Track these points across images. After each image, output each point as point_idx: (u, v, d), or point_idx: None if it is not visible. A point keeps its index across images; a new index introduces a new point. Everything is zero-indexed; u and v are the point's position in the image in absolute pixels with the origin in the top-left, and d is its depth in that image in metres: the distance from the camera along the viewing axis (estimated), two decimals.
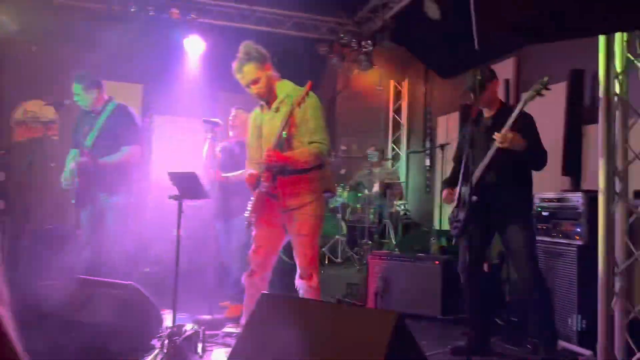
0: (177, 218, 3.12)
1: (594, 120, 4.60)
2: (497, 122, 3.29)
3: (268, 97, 3.21)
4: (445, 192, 3.64)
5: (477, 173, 3.39)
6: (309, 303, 2.58)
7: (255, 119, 3.33)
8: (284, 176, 3.05)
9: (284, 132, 3.00)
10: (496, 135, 3.18)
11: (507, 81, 5.74)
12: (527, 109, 3.26)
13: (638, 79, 2.60)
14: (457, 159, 3.72)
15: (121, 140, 4.01)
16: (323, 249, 6.03)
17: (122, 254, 3.93)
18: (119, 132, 4.02)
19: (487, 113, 3.51)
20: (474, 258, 3.50)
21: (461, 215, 3.45)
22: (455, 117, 6.82)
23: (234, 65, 3.13)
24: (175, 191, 3.21)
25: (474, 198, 3.38)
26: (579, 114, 4.69)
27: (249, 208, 3.11)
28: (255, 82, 3.13)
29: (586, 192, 3.83)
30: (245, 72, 3.11)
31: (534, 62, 4.85)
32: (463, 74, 6.74)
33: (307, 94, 3.00)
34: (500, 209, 3.36)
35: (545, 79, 3.03)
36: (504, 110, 3.40)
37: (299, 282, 3.21)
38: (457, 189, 3.54)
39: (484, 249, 3.63)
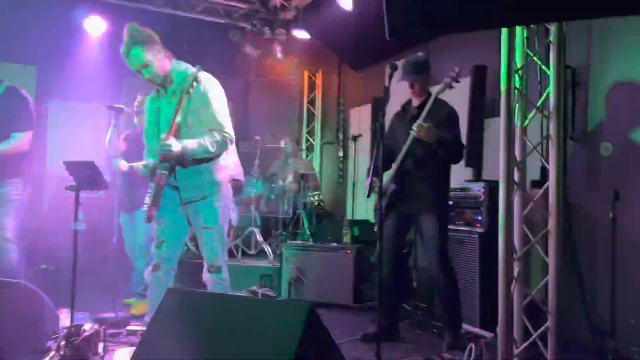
0: (74, 210, 2.89)
1: (495, 114, 4.92)
2: (423, 111, 3.37)
3: (163, 82, 3.07)
4: (368, 180, 3.69)
5: (397, 161, 3.45)
6: (218, 298, 2.50)
7: (152, 105, 3.17)
8: (183, 167, 2.93)
9: (179, 118, 2.89)
10: (414, 126, 3.27)
11: None
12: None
13: (536, 74, 2.77)
14: (386, 147, 3.79)
15: (12, 126, 3.67)
16: (236, 241, 5.91)
17: (13, 249, 3.60)
18: (9, 117, 3.66)
19: (415, 102, 3.58)
20: (390, 245, 3.58)
21: (382, 204, 3.52)
22: (367, 109, 6.89)
23: (121, 49, 2.93)
24: (72, 181, 2.98)
25: (392, 186, 3.47)
26: (481, 108, 4.92)
27: (147, 202, 2.97)
28: (145, 66, 2.96)
29: (487, 182, 4.07)
30: (132, 57, 2.93)
31: (440, 59, 5.02)
32: (375, 66, 7.00)
33: (196, 78, 2.92)
34: (415, 197, 3.43)
35: (457, 69, 3.14)
36: (428, 100, 3.48)
37: (206, 277, 3.12)
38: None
39: (402, 237, 3.71)
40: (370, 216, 6.82)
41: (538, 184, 3.13)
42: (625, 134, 3.66)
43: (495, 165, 4.68)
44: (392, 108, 3.93)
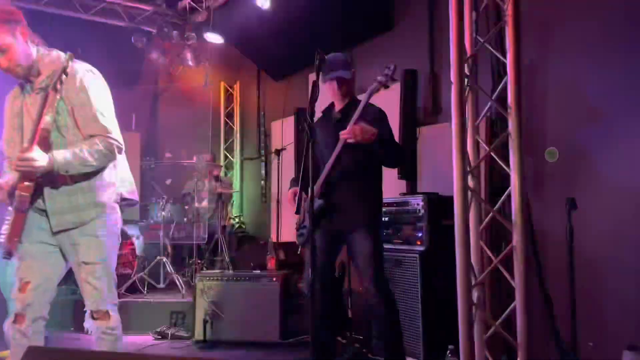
0: None
1: (429, 122, 4.65)
2: (347, 116, 2.91)
3: (26, 73, 2.41)
4: (291, 192, 3.15)
5: (323, 173, 2.96)
6: (95, 357, 1.84)
7: (14, 104, 2.49)
8: (54, 185, 2.32)
9: (46, 121, 2.24)
10: (342, 134, 2.78)
11: None
12: None
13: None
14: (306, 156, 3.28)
15: None
16: (142, 273, 5.15)
17: None
18: None
19: (337, 106, 3.11)
20: (320, 270, 3.06)
21: (307, 221, 2.99)
22: (290, 121, 6.47)
23: None
24: None
25: (318, 202, 2.96)
26: (413, 114, 4.59)
27: (4, 231, 2.28)
28: (1, 51, 2.31)
29: (426, 194, 3.68)
30: None
31: (365, 64, 4.66)
32: (297, 75, 6.63)
33: (65, 69, 2.31)
34: (345, 212, 2.97)
35: (392, 66, 2.70)
36: (354, 103, 3.04)
37: (90, 325, 2.44)
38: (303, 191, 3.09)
39: (332, 260, 3.21)
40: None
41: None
42: (569, 138, 3.41)
43: (431, 177, 4.51)
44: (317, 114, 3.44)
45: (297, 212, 2.92)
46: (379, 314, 3.03)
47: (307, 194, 3.00)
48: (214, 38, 6.22)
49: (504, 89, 2.22)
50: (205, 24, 6.09)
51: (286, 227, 6.14)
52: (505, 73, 2.18)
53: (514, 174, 2.12)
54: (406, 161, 3.22)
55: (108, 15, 6.34)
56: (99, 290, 2.46)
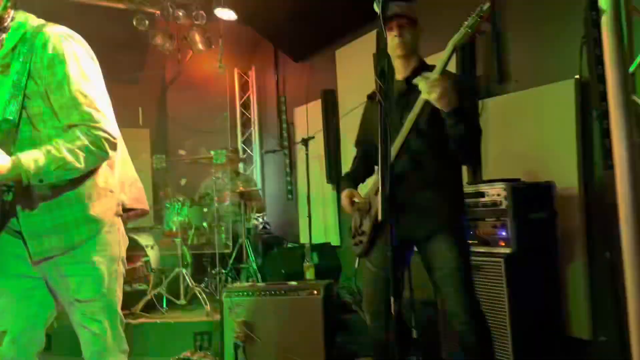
0: None
1: (493, 92, 3.79)
2: (414, 86, 2.17)
3: None
4: (345, 193, 2.45)
5: (388, 160, 2.24)
6: None
7: None
8: (28, 197, 1.71)
9: (12, 109, 1.61)
10: (421, 85, 2.05)
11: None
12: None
13: None
14: (361, 144, 2.57)
15: None
16: (160, 289, 4.51)
17: None
18: None
19: (400, 73, 2.39)
20: (386, 287, 2.35)
21: (366, 225, 2.29)
22: (316, 106, 5.86)
23: None
24: None
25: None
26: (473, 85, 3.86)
27: None
28: None
29: (508, 181, 2.99)
30: None
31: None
32: (320, 54, 6.00)
33: (37, 35, 1.68)
34: (419, 212, 2.28)
35: (487, 6, 1.96)
36: (424, 68, 2.32)
37: None
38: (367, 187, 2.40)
39: (400, 273, 2.52)
40: (331, 238, 5.68)
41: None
42: None
43: (502, 160, 3.78)
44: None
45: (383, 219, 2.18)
46: (469, 345, 2.34)
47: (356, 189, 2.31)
48: (225, 14, 5.59)
49: None
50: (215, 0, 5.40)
51: (317, 226, 5.68)
52: None
53: None
54: (475, 157, 2.48)
55: None
56: (99, 336, 1.82)
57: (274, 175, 7.25)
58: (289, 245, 6.09)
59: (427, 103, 2.11)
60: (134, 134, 6.39)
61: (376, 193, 2.32)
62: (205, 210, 4.99)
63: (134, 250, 4.66)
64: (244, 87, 7.59)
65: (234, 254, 5.05)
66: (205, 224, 4.93)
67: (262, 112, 7.47)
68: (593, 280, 3.09)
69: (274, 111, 7.04)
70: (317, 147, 5.56)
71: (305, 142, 5.22)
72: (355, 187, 2.46)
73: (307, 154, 5.16)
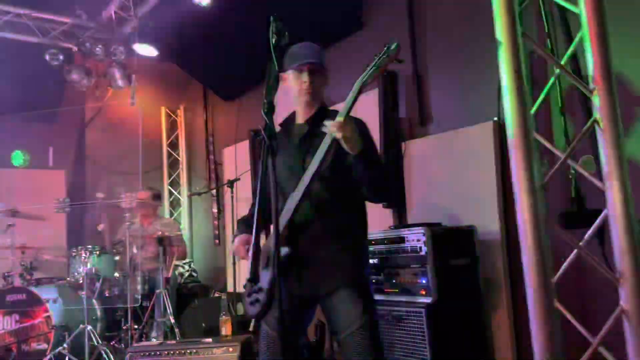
0: None
1: (415, 134, 3.90)
2: (317, 129, 2.10)
3: None
4: (238, 239, 2.26)
5: (290, 206, 2.09)
6: None
7: None
8: None
9: None
10: (327, 126, 1.95)
11: None
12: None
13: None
14: (259, 191, 2.39)
15: None
16: (61, 348, 4.10)
17: None
18: None
19: (302, 116, 2.29)
20: (285, 350, 2.13)
21: (264, 282, 2.09)
22: (244, 146, 5.73)
23: None
24: None
25: (285, 250, 2.08)
26: (395, 127, 3.82)
27: None
28: None
29: (428, 226, 2.92)
30: None
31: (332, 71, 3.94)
32: (249, 93, 5.92)
33: None
34: (321, 266, 2.12)
35: (395, 42, 1.87)
36: (325, 112, 2.24)
37: None
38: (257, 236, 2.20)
39: (302, 334, 2.32)
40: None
41: None
42: None
43: (426, 203, 3.72)
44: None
45: (252, 269, 2.01)
46: None
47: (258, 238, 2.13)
48: (144, 50, 5.40)
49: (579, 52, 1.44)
50: (135, 35, 5.22)
51: (245, 274, 5.30)
52: (577, 28, 1.40)
53: (615, 186, 1.32)
54: (393, 193, 2.39)
55: (16, 30, 5.43)
56: None
57: (202, 218, 7.00)
58: (216, 294, 5.76)
59: (332, 146, 1.99)
60: (44, 175, 6.01)
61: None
62: (117, 258, 4.64)
63: (34, 304, 4.28)
64: (172, 126, 7.36)
65: (149, 307, 4.68)
66: (117, 274, 4.57)
67: (191, 152, 7.28)
68: (518, 326, 3.00)
69: (202, 151, 6.87)
70: (246, 188, 5.32)
71: (231, 183, 5.03)
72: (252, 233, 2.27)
73: (232, 196, 4.97)
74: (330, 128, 1.96)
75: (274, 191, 1.70)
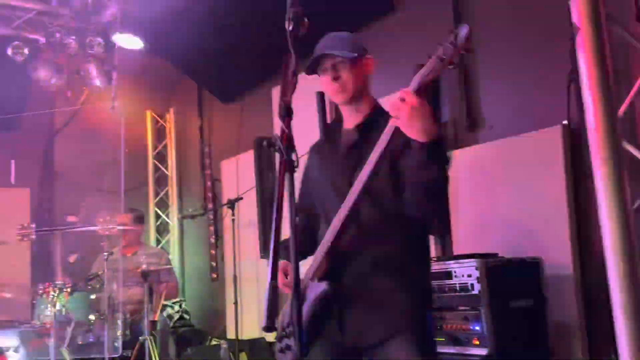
0: None
1: (462, 142, 3.82)
2: (369, 135, 2.11)
3: None
4: (283, 269, 2.26)
5: (329, 234, 2.11)
6: None
7: None
8: None
9: None
10: (391, 104, 1.89)
11: None
12: None
13: None
14: (305, 209, 2.47)
15: None
16: None
17: None
18: None
19: (350, 120, 2.30)
20: None
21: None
22: (248, 158, 5.86)
23: None
24: None
25: (321, 287, 2.11)
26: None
27: None
28: None
29: (482, 257, 2.97)
30: None
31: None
32: (253, 95, 6.09)
33: None
34: (372, 307, 2.13)
35: (464, 29, 1.83)
36: (378, 113, 2.25)
37: None
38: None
39: None
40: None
41: None
42: None
43: (475, 228, 3.73)
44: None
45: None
46: None
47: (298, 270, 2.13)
48: (127, 42, 5.53)
49: None
50: (116, 23, 5.33)
51: (249, 316, 5.58)
52: None
53: None
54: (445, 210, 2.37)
55: None
56: None
57: (195, 247, 7.18)
58: (213, 342, 5.85)
59: (390, 143, 1.96)
60: (5, 194, 6.12)
61: (312, 278, 2.15)
62: (92, 297, 4.68)
63: None
64: (160, 134, 7.61)
65: (132, 358, 4.71)
66: (92, 318, 4.61)
67: (182, 165, 7.50)
68: None
69: (196, 164, 7.06)
70: (250, 210, 5.50)
71: (232, 204, 5.13)
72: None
73: (233, 220, 5.07)
74: (391, 109, 1.89)
75: (291, 218, 1.66)
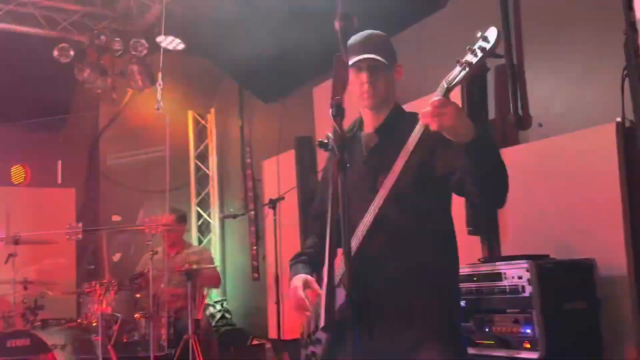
0: None
1: (512, 140, 3.80)
2: (389, 139, 2.10)
3: None
4: (297, 280, 2.23)
5: (357, 237, 2.06)
6: None
7: None
8: None
9: None
10: (422, 114, 1.83)
11: None
12: None
13: None
14: (318, 217, 2.41)
15: None
16: None
17: None
18: None
19: (370, 123, 2.26)
20: None
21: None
22: (289, 157, 5.94)
23: None
24: None
25: (349, 295, 2.03)
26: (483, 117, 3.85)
27: None
28: None
29: (533, 259, 2.93)
30: None
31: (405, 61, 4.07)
32: (294, 95, 6.15)
33: None
34: (400, 314, 2.09)
35: (494, 32, 1.77)
36: (398, 114, 2.23)
37: None
38: (321, 275, 2.19)
39: None
40: None
41: None
42: None
43: (525, 229, 3.67)
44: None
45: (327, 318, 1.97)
46: None
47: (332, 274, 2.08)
48: (170, 43, 5.65)
49: None
50: (159, 25, 5.41)
51: (291, 316, 5.36)
52: None
53: None
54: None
55: (19, 21, 5.71)
56: None
57: (237, 247, 7.25)
58: (255, 341, 5.93)
59: (418, 146, 1.91)
60: (51, 194, 6.24)
61: (339, 284, 2.11)
62: (137, 296, 4.77)
63: (39, 351, 4.46)
64: (201, 134, 7.68)
65: (176, 356, 4.79)
66: (136, 316, 4.69)
67: (223, 165, 7.57)
68: None
69: (237, 164, 7.12)
70: (292, 209, 5.54)
71: (273, 203, 5.16)
72: (312, 272, 2.24)
73: (275, 219, 5.10)
74: (422, 118, 1.83)
75: (343, 216, 1.64)
